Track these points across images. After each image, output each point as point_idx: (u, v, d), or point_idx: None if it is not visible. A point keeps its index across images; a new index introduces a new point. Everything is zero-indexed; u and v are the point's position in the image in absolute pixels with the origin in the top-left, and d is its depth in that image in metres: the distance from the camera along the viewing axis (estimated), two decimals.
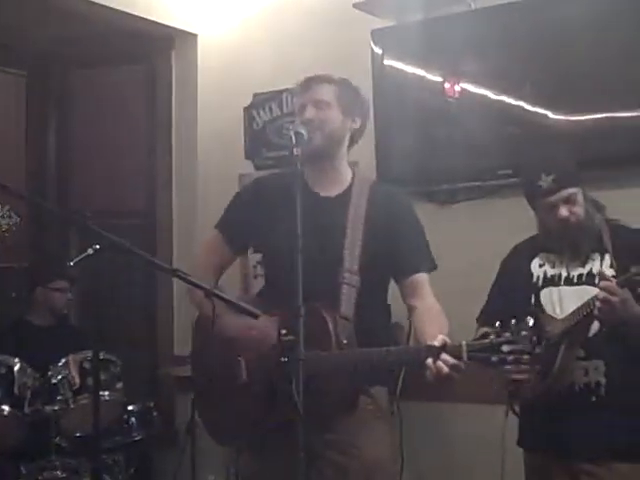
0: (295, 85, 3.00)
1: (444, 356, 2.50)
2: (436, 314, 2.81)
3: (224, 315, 2.76)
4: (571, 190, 2.87)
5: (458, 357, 2.49)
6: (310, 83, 2.93)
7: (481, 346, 2.48)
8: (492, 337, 2.46)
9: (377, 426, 2.87)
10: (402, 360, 2.77)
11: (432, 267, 2.95)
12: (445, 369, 2.49)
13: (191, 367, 3.12)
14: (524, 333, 2.42)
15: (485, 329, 2.48)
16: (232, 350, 2.83)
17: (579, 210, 2.88)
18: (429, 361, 2.52)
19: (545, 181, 2.85)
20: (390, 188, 3.07)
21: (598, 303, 2.66)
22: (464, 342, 2.51)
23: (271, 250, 2.94)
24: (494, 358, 2.44)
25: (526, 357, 2.42)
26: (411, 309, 2.87)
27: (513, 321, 2.44)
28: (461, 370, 2.51)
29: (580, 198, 2.89)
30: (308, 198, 2.70)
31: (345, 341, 2.69)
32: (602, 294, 2.65)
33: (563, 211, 2.86)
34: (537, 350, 2.44)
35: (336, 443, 2.79)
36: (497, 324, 2.46)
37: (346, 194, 2.91)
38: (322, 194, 2.90)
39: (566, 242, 2.91)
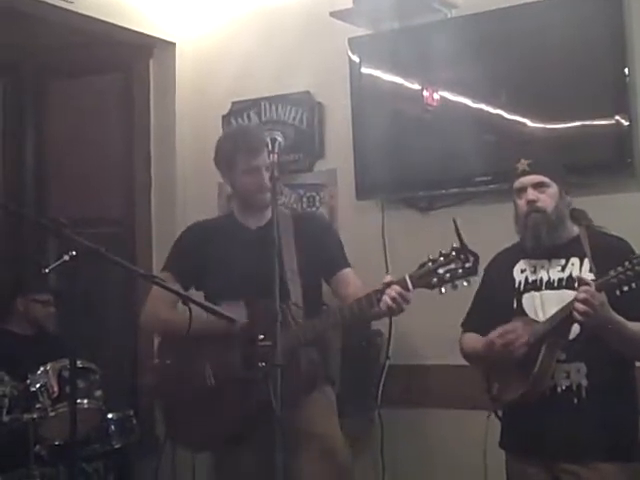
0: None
1: (393, 286, 2.90)
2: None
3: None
4: (543, 178, 2.97)
5: (406, 288, 2.89)
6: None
7: (422, 273, 2.88)
8: (429, 264, 2.86)
9: (332, 416, 3.33)
10: (360, 312, 3.02)
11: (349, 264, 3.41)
12: (393, 294, 2.89)
13: (159, 387, 3.53)
14: (453, 254, 2.82)
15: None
16: (196, 359, 3.22)
17: (547, 199, 2.96)
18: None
19: (522, 164, 3.00)
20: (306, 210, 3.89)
21: (579, 304, 2.69)
22: (407, 274, 2.91)
23: (219, 285, 3.32)
24: (434, 280, 2.83)
25: (460, 272, 2.80)
26: (345, 297, 3.24)
27: (442, 250, 2.84)
28: (409, 300, 2.91)
29: (552, 191, 2.98)
30: (243, 232, 3.38)
31: (300, 321, 3.15)
32: (582, 295, 2.69)
33: (530, 193, 2.97)
34: (467, 265, 2.80)
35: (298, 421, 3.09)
36: (429, 256, 2.86)
37: (271, 222, 3.08)
38: (253, 227, 3.40)
39: (529, 231, 2.98)
